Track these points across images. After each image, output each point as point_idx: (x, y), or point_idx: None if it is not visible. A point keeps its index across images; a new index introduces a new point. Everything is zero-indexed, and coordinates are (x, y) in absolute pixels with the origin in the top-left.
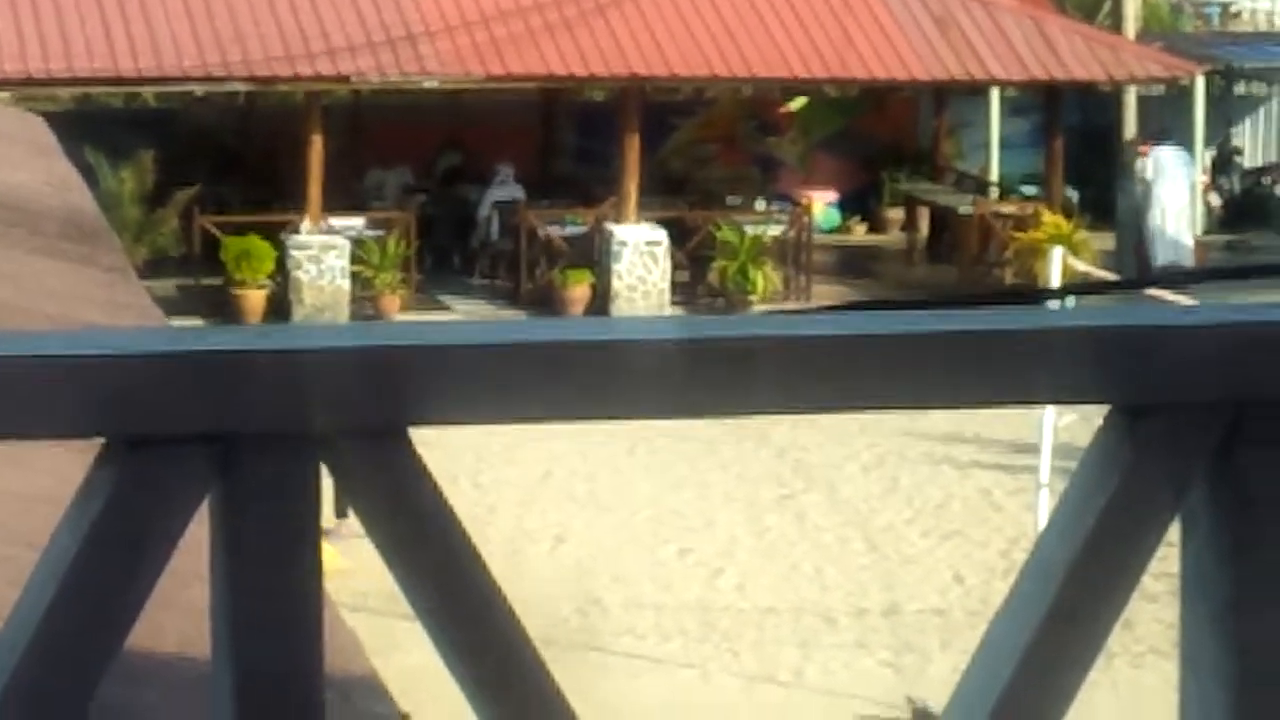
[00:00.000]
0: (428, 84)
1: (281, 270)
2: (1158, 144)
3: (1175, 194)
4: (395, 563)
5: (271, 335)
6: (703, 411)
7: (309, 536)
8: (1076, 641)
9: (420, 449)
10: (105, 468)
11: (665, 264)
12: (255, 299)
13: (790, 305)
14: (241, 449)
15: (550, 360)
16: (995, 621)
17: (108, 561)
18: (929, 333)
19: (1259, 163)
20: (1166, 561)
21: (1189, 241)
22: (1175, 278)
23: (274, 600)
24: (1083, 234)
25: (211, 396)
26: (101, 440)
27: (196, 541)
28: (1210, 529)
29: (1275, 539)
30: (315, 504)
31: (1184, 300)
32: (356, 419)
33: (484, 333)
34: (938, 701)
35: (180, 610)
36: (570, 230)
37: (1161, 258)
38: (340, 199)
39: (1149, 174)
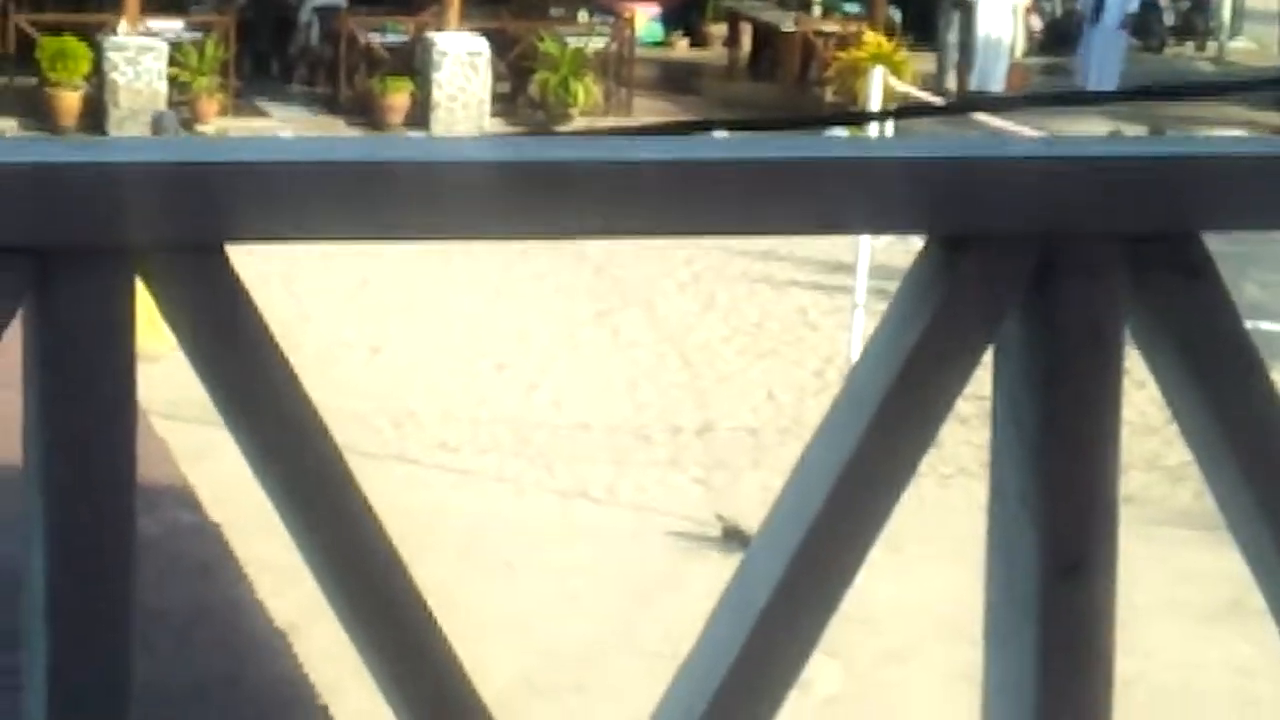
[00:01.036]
0: None
1: (98, 72)
2: None
3: (995, 16)
4: (208, 376)
5: (88, 148)
6: (519, 234)
7: (123, 349)
8: (889, 466)
9: (237, 255)
10: None
11: (486, 75)
12: (70, 100)
13: (611, 119)
14: (57, 262)
15: (368, 179)
16: (809, 446)
17: None
18: (747, 160)
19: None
20: (977, 384)
21: (1005, 65)
22: (992, 103)
23: (87, 411)
24: (904, 54)
25: (26, 209)
26: None
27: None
28: (1022, 358)
29: (1085, 368)
30: (130, 317)
31: (1003, 125)
32: (173, 234)
33: (302, 150)
34: (748, 518)
35: None
36: (391, 38)
37: (978, 80)
38: (159, 1)
39: None
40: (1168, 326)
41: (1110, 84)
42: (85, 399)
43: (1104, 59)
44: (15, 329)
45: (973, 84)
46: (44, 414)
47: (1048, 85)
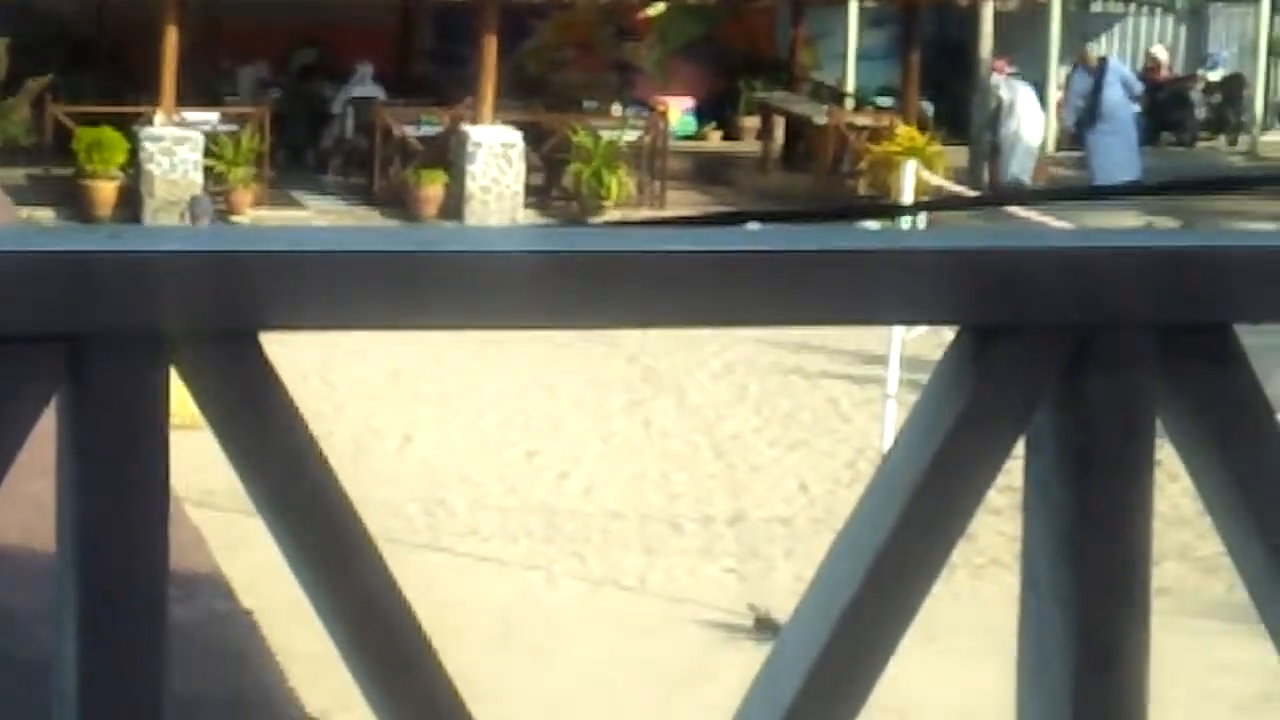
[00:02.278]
0: None
1: (134, 162)
2: (1011, 68)
3: (1028, 112)
4: (241, 464)
5: (124, 236)
6: (554, 324)
7: (156, 436)
8: (921, 556)
9: (270, 346)
10: None
11: (520, 166)
12: (106, 190)
13: (644, 211)
14: (91, 349)
15: (402, 269)
16: (841, 536)
17: None
18: (780, 250)
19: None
20: (1010, 475)
21: (1035, 159)
22: (1026, 195)
23: (119, 499)
24: (936, 147)
25: (62, 296)
26: None
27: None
28: (1055, 450)
29: (1117, 459)
30: (164, 405)
31: (1035, 217)
32: (206, 322)
33: (336, 240)
34: (780, 609)
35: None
36: (426, 130)
37: (1010, 174)
38: (195, 92)
39: (1004, 93)
40: (1199, 417)
41: (1127, 177)
42: (118, 486)
43: (1107, 158)
44: (49, 416)
45: (1005, 177)
46: (77, 500)
47: (1076, 180)
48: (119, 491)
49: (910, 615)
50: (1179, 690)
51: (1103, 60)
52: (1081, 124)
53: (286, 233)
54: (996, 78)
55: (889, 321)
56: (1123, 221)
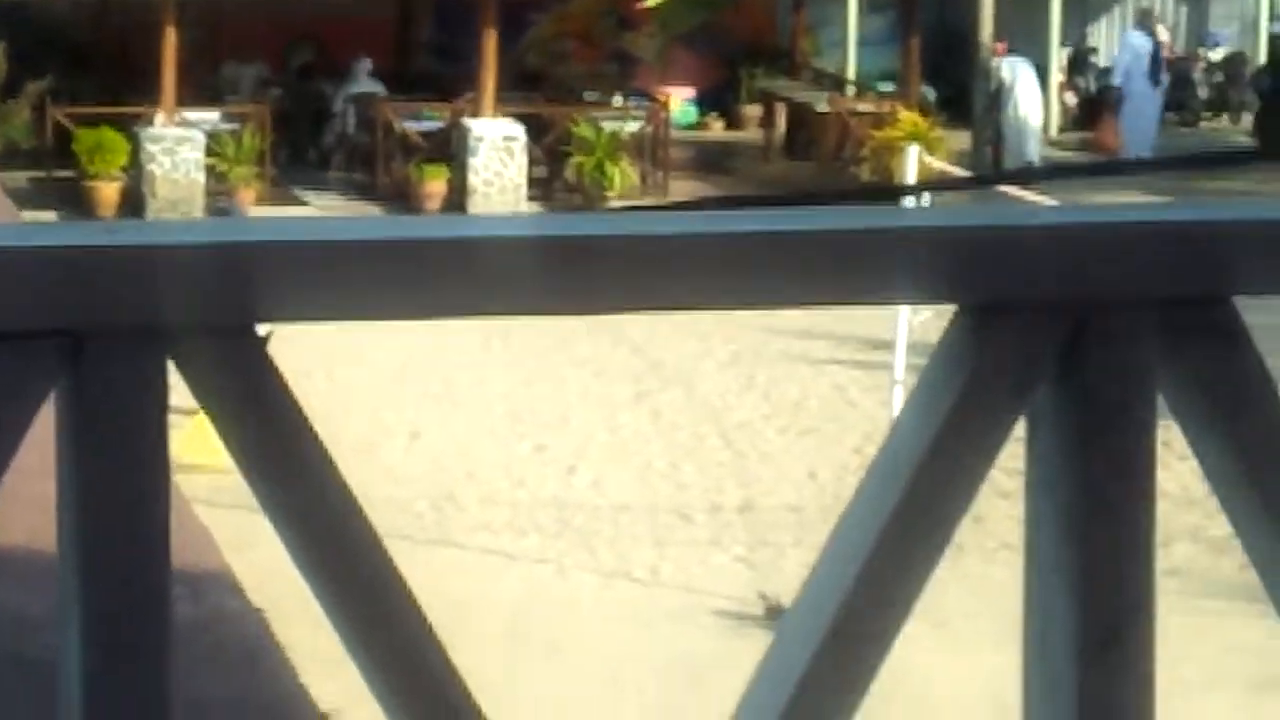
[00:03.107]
0: None
1: (135, 163)
2: (1011, 49)
3: (1027, 95)
4: (243, 460)
5: (120, 231)
6: (556, 309)
7: (156, 432)
8: (923, 538)
9: (277, 344)
10: None
11: (522, 159)
12: (108, 191)
13: (647, 201)
14: (88, 344)
15: (401, 257)
16: (843, 520)
17: None
18: (781, 232)
19: (1113, 62)
20: (1018, 458)
21: (1037, 141)
22: (1026, 174)
23: (119, 494)
24: (939, 132)
25: (58, 292)
26: None
27: (48, 438)
28: (1056, 427)
29: (1118, 436)
30: (163, 400)
31: (1036, 197)
32: (205, 316)
33: (335, 229)
34: (790, 597)
35: (27, 504)
36: (427, 125)
37: (1016, 157)
38: (195, 92)
39: (1004, 74)
40: (1201, 392)
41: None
42: (117, 481)
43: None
44: (48, 412)
45: (1007, 160)
46: (76, 497)
47: (1084, 159)
48: (118, 487)
49: (914, 596)
50: (1190, 671)
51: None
52: (1129, 83)
53: (284, 223)
54: (996, 60)
55: (887, 301)
56: (1127, 201)
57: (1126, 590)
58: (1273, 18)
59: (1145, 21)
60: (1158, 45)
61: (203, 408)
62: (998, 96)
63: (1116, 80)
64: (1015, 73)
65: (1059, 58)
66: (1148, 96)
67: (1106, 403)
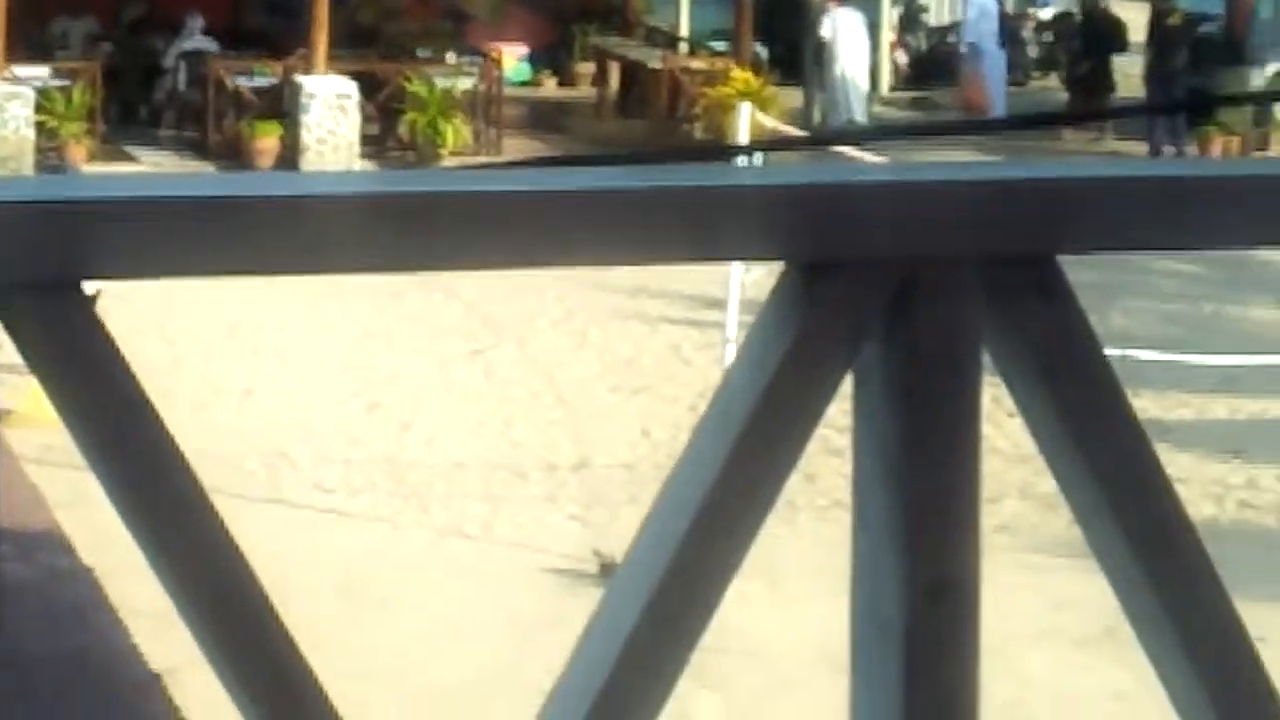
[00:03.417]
0: None
1: None
2: (841, 3)
3: (855, 52)
4: (71, 418)
5: None
6: (386, 267)
7: None
8: (752, 493)
9: (105, 301)
10: None
11: (355, 116)
12: None
13: (480, 158)
14: None
15: (232, 215)
16: (672, 475)
17: None
18: (611, 189)
19: (944, 21)
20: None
21: (865, 99)
22: (856, 134)
23: None
24: (771, 90)
25: None
26: None
27: None
28: (881, 383)
29: (943, 391)
30: None
31: (869, 156)
32: (31, 273)
33: (165, 186)
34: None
35: None
36: (259, 82)
37: (841, 115)
38: (24, 48)
39: (827, 32)
40: (1024, 348)
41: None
42: None
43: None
44: None
45: (836, 119)
46: None
47: (915, 119)
48: None
49: (745, 547)
50: (1018, 625)
51: None
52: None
53: (113, 180)
54: (823, 18)
55: (716, 259)
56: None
57: (952, 544)
58: None
59: None
60: (1001, 3)
61: (30, 366)
62: (819, 53)
63: (969, 38)
64: (836, 28)
65: (890, 16)
66: (995, 56)
67: (932, 359)
